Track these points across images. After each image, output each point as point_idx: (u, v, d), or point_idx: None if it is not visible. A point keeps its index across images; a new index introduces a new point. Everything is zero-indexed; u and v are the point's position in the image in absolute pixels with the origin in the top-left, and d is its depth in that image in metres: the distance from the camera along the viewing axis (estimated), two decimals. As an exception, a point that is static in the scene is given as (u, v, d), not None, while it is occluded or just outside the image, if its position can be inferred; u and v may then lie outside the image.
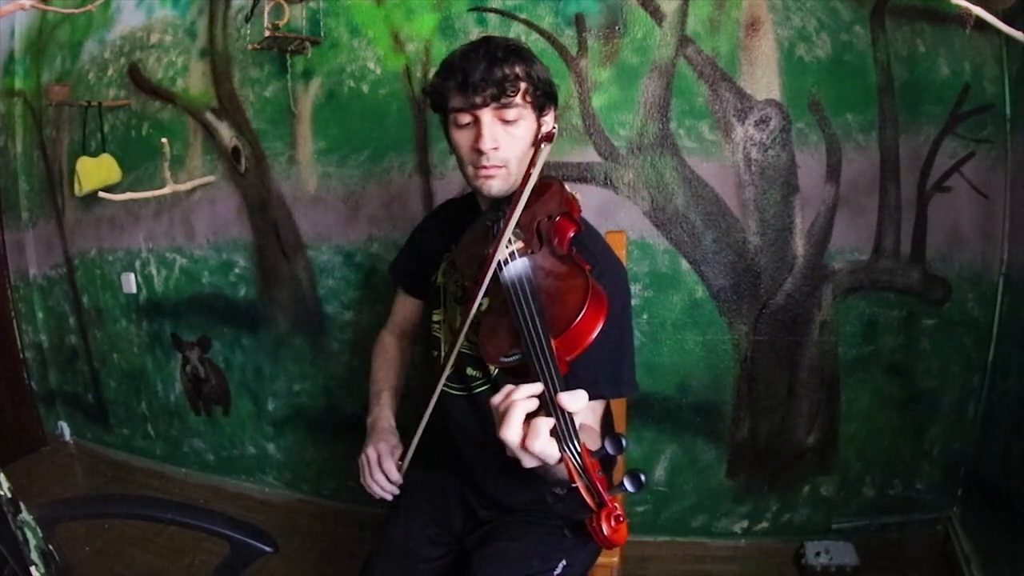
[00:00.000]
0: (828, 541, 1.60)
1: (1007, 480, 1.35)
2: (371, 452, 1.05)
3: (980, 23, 1.05)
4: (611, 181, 1.58)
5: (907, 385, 1.54)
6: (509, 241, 0.85)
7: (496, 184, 0.97)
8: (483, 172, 0.96)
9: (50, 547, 0.85)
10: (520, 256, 0.84)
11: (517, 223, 0.86)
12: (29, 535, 0.82)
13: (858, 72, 1.44)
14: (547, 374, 0.69)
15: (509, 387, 0.69)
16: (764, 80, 1.48)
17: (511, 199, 0.89)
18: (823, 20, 1.43)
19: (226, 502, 2.12)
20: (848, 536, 1.62)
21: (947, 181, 1.45)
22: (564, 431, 0.65)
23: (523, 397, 0.67)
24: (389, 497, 1.05)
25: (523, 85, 0.93)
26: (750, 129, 1.50)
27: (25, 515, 0.83)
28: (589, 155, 1.58)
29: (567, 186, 0.94)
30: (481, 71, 0.90)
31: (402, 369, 1.26)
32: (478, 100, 0.91)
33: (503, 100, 0.92)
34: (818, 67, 1.45)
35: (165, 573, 1.76)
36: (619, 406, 1.34)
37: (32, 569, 0.80)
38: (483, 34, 1.60)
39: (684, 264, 1.58)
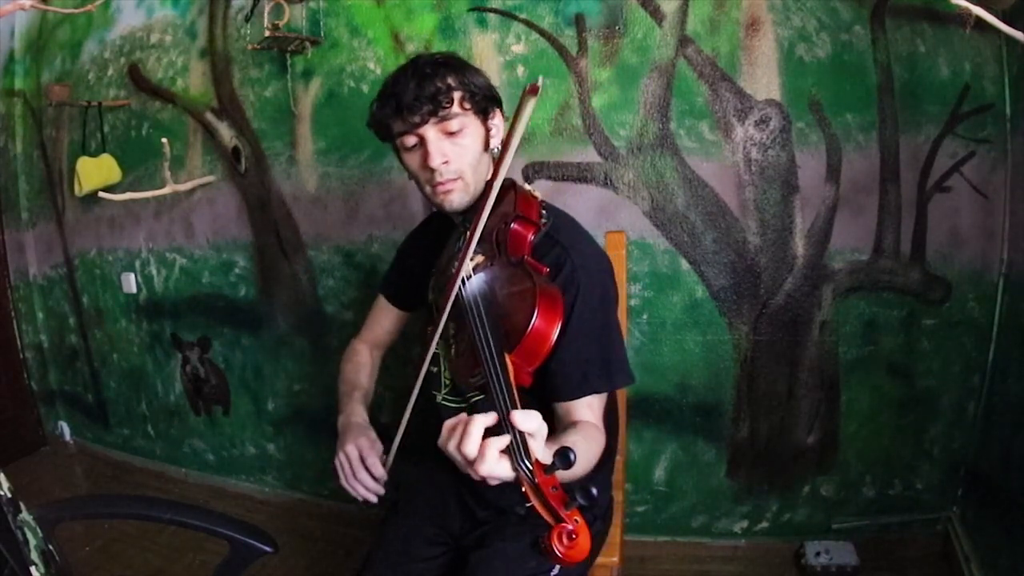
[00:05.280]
0: (828, 541, 1.60)
1: (1007, 480, 1.35)
2: (351, 449, 0.97)
3: (980, 23, 1.05)
4: (611, 181, 1.58)
5: (907, 385, 1.54)
6: (472, 256, 0.84)
7: (456, 197, 0.96)
8: (440, 188, 0.95)
9: (50, 547, 0.85)
10: (479, 271, 0.83)
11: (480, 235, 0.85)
12: (29, 535, 0.82)
13: (858, 72, 1.44)
14: (500, 391, 0.68)
15: (457, 421, 0.69)
16: (764, 80, 1.47)
17: (476, 208, 0.88)
18: (823, 20, 1.43)
19: (226, 502, 2.12)
20: (848, 536, 1.62)
21: (947, 181, 1.44)
22: (517, 449, 0.65)
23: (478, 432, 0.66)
24: (374, 499, 0.95)
25: (457, 94, 0.92)
26: (750, 129, 1.50)
27: (25, 515, 0.83)
28: (589, 155, 1.58)
29: (523, 184, 0.93)
30: (412, 90, 0.90)
31: (373, 376, 1.23)
32: (416, 119, 0.91)
33: (440, 113, 0.91)
34: (818, 67, 1.45)
35: (165, 573, 1.76)
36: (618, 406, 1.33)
37: (32, 569, 0.80)
38: (482, 35, 1.61)
39: (684, 264, 1.57)
